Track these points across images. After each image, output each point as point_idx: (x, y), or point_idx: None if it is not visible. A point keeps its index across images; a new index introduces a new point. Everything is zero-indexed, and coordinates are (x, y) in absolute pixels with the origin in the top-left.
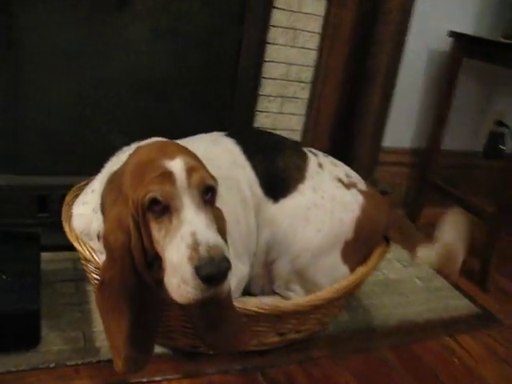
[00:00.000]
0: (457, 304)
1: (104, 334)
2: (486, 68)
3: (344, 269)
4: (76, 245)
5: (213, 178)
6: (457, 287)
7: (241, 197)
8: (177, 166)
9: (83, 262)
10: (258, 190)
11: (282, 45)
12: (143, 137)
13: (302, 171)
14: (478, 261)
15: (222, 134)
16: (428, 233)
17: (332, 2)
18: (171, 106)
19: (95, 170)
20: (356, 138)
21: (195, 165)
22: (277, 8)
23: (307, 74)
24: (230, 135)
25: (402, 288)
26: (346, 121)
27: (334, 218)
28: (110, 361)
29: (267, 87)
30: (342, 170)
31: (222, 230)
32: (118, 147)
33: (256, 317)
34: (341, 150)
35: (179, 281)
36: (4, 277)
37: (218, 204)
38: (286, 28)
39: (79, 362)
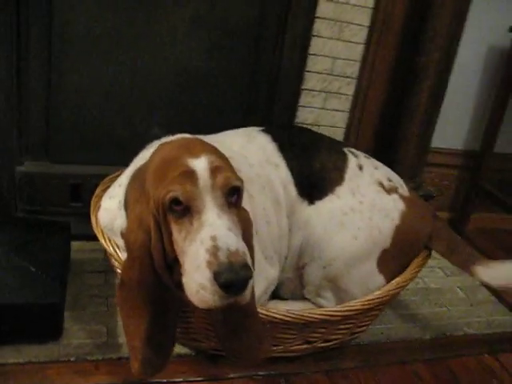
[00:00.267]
0: (501, 320)
1: None
2: None
3: (380, 279)
4: (101, 240)
5: (239, 179)
6: (503, 301)
7: (273, 197)
8: (200, 165)
9: (109, 256)
10: (293, 190)
11: (327, 38)
12: (179, 128)
13: (341, 172)
14: None
15: (258, 129)
16: (476, 239)
17: None
18: (209, 97)
19: (130, 161)
20: (401, 138)
21: (220, 164)
22: None
23: (353, 69)
24: (267, 131)
25: (443, 298)
26: (391, 120)
27: (371, 226)
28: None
29: (310, 81)
30: (384, 172)
31: (247, 234)
32: (153, 138)
33: (282, 324)
34: (385, 150)
35: (198, 286)
36: (31, 267)
37: (248, 204)
38: (332, 20)
39: (100, 358)
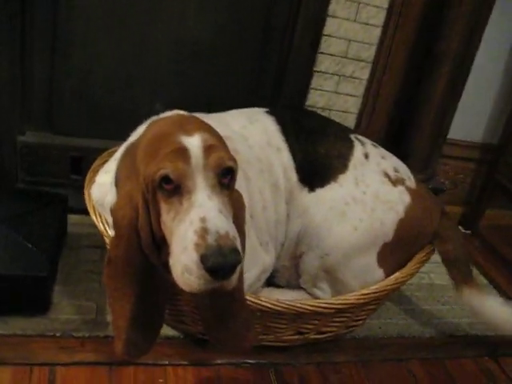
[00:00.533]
0: None
1: None
2: None
3: (379, 273)
4: (92, 215)
5: (232, 159)
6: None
7: (272, 181)
8: (194, 143)
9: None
10: (293, 176)
11: (343, 18)
12: (183, 105)
13: (345, 160)
14: None
15: (263, 110)
16: (488, 235)
17: None
18: (216, 75)
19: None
20: (415, 126)
21: (214, 143)
22: None
23: (369, 53)
24: (271, 113)
25: (447, 296)
26: (406, 107)
27: (373, 217)
28: None
29: (323, 63)
30: (391, 162)
31: (238, 218)
32: (157, 114)
33: (272, 313)
34: (397, 139)
35: (183, 268)
36: (23, 240)
37: (244, 187)
38: (349, 0)
39: (86, 335)
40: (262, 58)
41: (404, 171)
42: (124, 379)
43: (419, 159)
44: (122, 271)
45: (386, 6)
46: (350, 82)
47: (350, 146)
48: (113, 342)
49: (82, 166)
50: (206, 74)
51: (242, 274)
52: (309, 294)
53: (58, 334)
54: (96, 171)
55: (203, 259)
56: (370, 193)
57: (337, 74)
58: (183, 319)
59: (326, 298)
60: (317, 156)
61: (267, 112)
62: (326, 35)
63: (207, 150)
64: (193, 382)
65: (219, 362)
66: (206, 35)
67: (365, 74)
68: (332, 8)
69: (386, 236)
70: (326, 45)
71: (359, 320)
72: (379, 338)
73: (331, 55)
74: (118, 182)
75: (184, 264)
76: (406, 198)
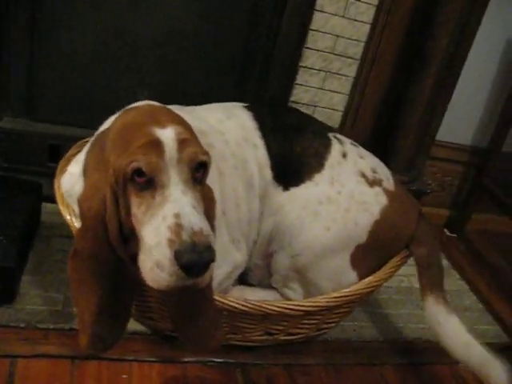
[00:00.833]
0: (485, 330)
1: None
2: None
3: (352, 275)
4: (59, 205)
5: (206, 153)
6: (490, 310)
7: (246, 178)
8: (167, 135)
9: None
10: (268, 174)
11: (331, 14)
12: (165, 95)
13: (322, 159)
14: None
15: (242, 105)
16: (474, 240)
17: None
18: (198, 66)
19: None
20: (400, 126)
21: (188, 137)
22: None
23: (356, 50)
24: (250, 108)
25: None
26: (393, 106)
27: (347, 218)
28: None
29: (310, 59)
30: (369, 163)
31: (209, 213)
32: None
33: (239, 313)
34: (382, 139)
35: (153, 264)
36: None
37: (217, 183)
38: None
39: (51, 327)
40: (247, 51)
41: (383, 172)
42: (87, 374)
43: (403, 160)
44: (88, 264)
45: (375, 2)
46: (336, 79)
47: (328, 145)
48: (77, 335)
49: (60, 155)
50: (190, 66)
51: (212, 271)
52: (280, 294)
53: (22, 325)
54: (69, 160)
55: (177, 256)
56: (345, 193)
57: (323, 70)
58: (151, 315)
59: (297, 298)
60: (293, 154)
61: (246, 107)
62: (313, 30)
63: (181, 143)
64: (158, 379)
65: (186, 359)
66: (189, 24)
67: (352, 71)
68: (320, 2)
69: (360, 238)
70: (312, 40)
71: (331, 322)
72: (353, 341)
73: (318, 51)
74: (85, 172)
75: (156, 259)
76: (383, 200)
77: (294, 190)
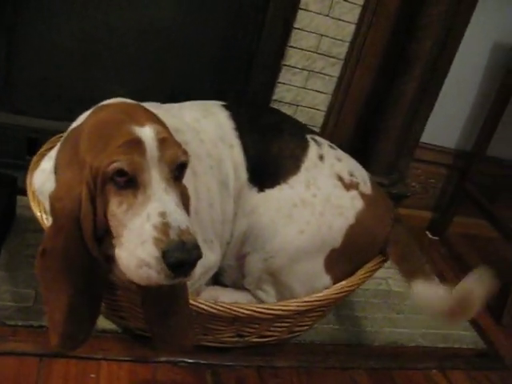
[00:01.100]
0: (460, 335)
1: None
2: None
3: (326, 279)
4: (30, 201)
5: (186, 153)
6: None
7: (221, 179)
8: (147, 134)
9: None
10: (244, 174)
11: (315, 12)
12: (145, 92)
13: (298, 161)
14: (499, 286)
15: (220, 103)
16: (455, 244)
17: None
18: (180, 62)
19: None
20: (382, 129)
21: (167, 136)
22: None
23: (340, 50)
24: (228, 107)
25: (403, 304)
26: (376, 108)
27: (322, 222)
28: None
29: (293, 58)
30: (346, 165)
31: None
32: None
33: (208, 315)
34: (364, 140)
35: (140, 262)
36: None
37: (191, 182)
38: None
39: (19, 323)
40: (230, 49)
41: (360, 175)
42: (54, 372)
43: (385, 162)
44: (60, 263)
45: (360, 2)
46: (319, 79)
47: (305, 147)
48: (46, 333)
49: (37, 148)
50: (172, 64)
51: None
52: (253, 295)
53: None
54: (43, 155)
55: (166, 255)
56: (321, 196)
57: (306, 70)
58: (122, 314)
59: (270, 300)
60: (269, 155)
61: (224, 106)
62: (297, 29)
63: (161, 142)
64: (126, 379)
65: (156, 359)
66: (173, 23)
67: (335, 71)
68: (304, 1)
69: (335, 241)
70: (296, 38)
71: (304, 325)
72: (326, 344)
73: (301, 49)
74: (57, 170)
75: (141, 258)
76: (359, 204)
77: (268, 192)
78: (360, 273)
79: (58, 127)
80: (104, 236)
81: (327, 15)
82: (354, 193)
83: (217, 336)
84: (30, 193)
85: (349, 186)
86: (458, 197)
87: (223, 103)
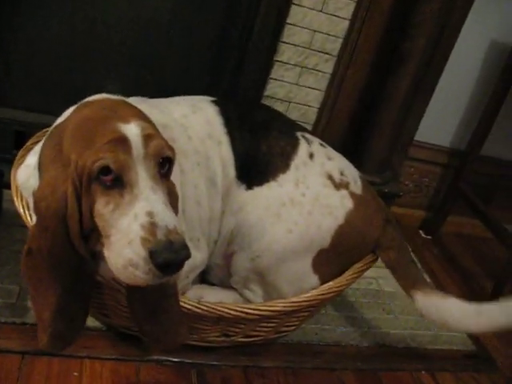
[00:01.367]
0: (451, 336)
1: None
2: None
3: (314, 279)
4: (14, 197)
5: (171, 148)
6: None
7: (209, 176)
8: (133, 131)
9: None
10: (232, 172)
11: (308, 8)
12: (136, 86)
13: (287, 159)
14: (491, 286)
15: (209, 99)
16: (448, 243)
17: None
18: (170, 57)
19: None
20: (375, 126)
21: (152, 132)
22: None
23: (334, 46)
24: (217, 103)
25: (393, 305)
26: (369, 105)
27: (310, 221)
28: (35, 325)
29: (285, 53)
30: (337, 164)
31: (173, 208)
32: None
33: (193, 315)
34: (357, 138)
35: (127, 262)
36: None
37: (178, 180)
38: None
39: (2, 320)
40: (222, 44)
41: (350, 174)
42: (36, 370)
43: (377, 160)
44: (46, 262)
45: None
46: (312, 75)
47: (295, 145)
48: (31, 330)
49: (25, 141)
50: (163, 59)
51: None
52: (240, 294)
53: None
54: (28, 150)
55: (153, 255)
56: (310, 195)
57: (299, 66)
58: (106, 312)
59: (257, 300)
60: (259, 152)
61: (213, 102)
62: (290, 24)
63: (146, 138)
64: (109, 377)
65: (139, 359)
66: (164, 18)
67: (328, 68)
68: None
69: (323, 241)
70: (289, 34)
71: (291, 325)
72: (313, 344)
73: (294, 45)
74: (41, 166)
75: (128, 258)
76: (348, 204)
77: (257, 190)
78: (348, 273)
79: (48, 121)
80: (90, 233)
81: (320, 11)
82: (343, 192)
83: (202, 335)
84: (13, 188)
85: (339, 186)
86: (451, 196)
87: (212, 99)
